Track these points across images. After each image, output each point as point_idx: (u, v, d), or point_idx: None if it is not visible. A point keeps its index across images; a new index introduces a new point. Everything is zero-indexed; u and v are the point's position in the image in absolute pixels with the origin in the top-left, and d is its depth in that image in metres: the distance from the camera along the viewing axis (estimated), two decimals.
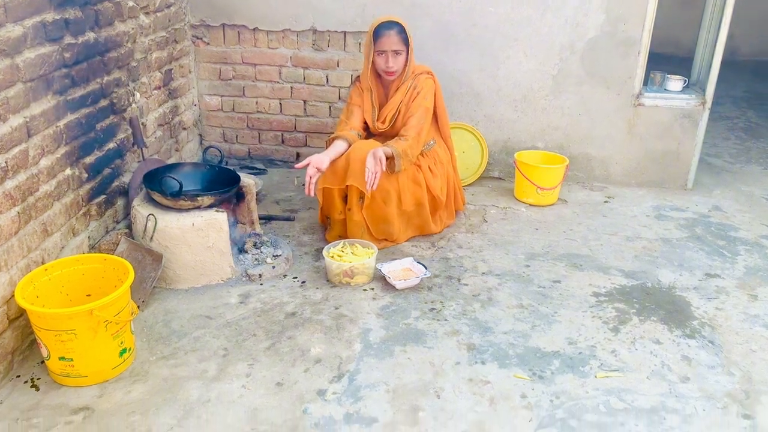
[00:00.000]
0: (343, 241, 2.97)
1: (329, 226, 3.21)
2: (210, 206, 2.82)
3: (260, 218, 3.33)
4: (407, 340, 2.46)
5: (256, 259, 2.94)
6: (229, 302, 2.71)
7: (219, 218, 2.77)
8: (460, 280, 2.89)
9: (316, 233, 3.33)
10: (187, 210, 2.77)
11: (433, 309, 2.67)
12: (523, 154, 3.81)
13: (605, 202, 3.80)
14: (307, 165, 2.94)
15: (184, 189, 2.85)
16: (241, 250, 2.98)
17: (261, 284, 2.84)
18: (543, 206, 3.69)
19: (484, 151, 3.95)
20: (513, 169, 3.96)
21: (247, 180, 3.08)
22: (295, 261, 3.04)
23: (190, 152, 4.00)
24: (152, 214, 2.74)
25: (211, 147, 3.14)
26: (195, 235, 2.74)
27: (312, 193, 2.93)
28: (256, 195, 3.56)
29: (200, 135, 4.15)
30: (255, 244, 3.02)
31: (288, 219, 3.44)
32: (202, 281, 2.82)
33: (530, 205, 3.70)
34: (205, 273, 2.81)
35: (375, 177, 2.86)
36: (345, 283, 2.81)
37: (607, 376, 2.31)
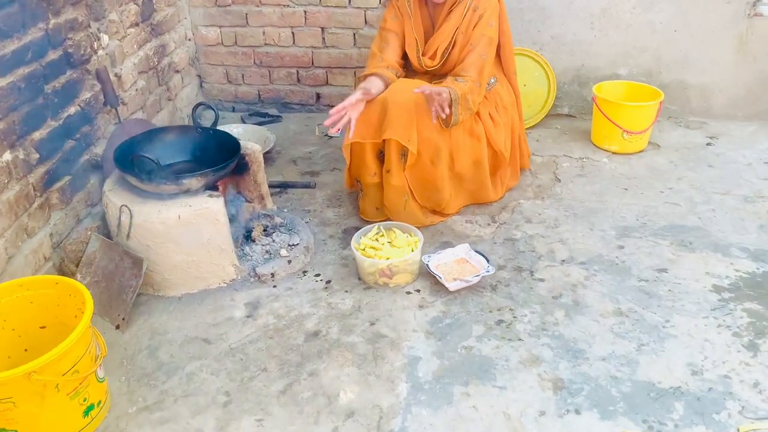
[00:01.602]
0: (377, 225, 2.27)
1: (360, 193, 2.50)
2: (202, 189, 2.14)
3: (272, 187, 2.65)
4: (470, 375, 1.81)
5: (267, 251, 2.28)
6: (233, 316, 2.08)
7: (213, 207, 2.10)
8: (533, 273, 2.20)
9: (344, 205, 2.64)
10: (172, 196, 2.11)
11: (501, 321, 2.00)
12: (603, 86, 2.99)
13: (708, 144, 2.99)
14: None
15: (166, 165, 2.18)
16: (248, 238, 2.32)
17: (274, 286, 2.20)
18: (630, 154, 2.91)
19: (552, 83, 3.14)
20: (587, 105, 3.15)
21: (250, 146, 2.37)
22: (317, 249, 2.37)
23: (187, 100, 3.28)
24: (126, 206, 2.08)
25: (201, 104, 2.43)
26: (184, 230, 2.08)
27: (340, 131, 2.25)
28: (269, 153, 2.87)
29: (199, 76, 3.42)
30: (265, 230, 2.36)
31: (307, 186, 2.75)
32: (199, 285, 2.19)
33: (613, 153, 2.92)
34: (201, 276, 2.17)
35: (441, 104, 2.16)
36: (382, 284, 2.14)
37: (755, 429, 1.64)
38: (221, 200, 2.12)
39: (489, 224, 2.47)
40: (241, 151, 2.29)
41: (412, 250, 2.15)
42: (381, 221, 2.33)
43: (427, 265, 2.14)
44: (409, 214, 2.38)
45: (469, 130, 2.38)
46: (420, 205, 2.42)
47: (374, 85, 2.32)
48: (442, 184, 2.38)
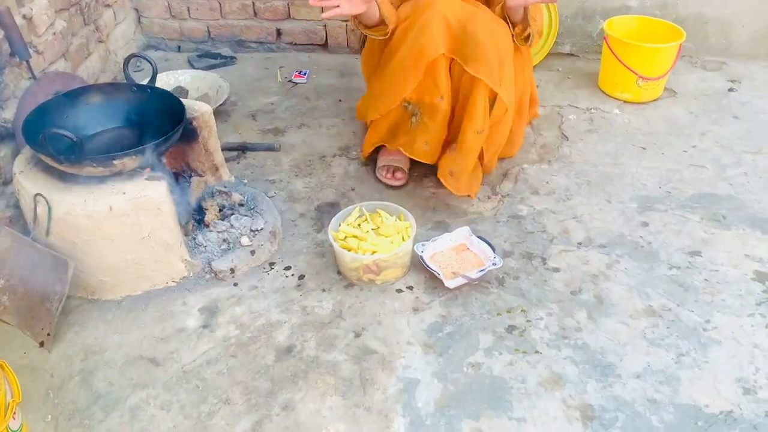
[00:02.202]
0: (358, 206, 1.87)
1: (415, 118, 1.95)
2: (138, 170, 1.70)
3: (228, 150, 2.23)
4: (480, 404, 1.48)
5: (224, 239, 1.88)
6: (186, 326, 1.70)
7: (154, 195, 1.67)
8: (545, 261, 1.85)
9: (315, 173, 2.22)
10: (101, 180, 1.67)
11: (513, 328, 1.66)
12: (614, 23, 2.57)
13: (730, 90, 2.62)
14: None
15: (92, 135, 1.75)
16: (201, 222, 1.91)
17: (235, 284, 1.81)
18: (644, 103, 2.53)
19: (553, 18, 2.69)
20: (592, 43, 2.74)
21: (198, 108, 1.92)
22: (285, 233, 1.97)
23: (123, 40, 2.76)
24: (41, 195, 1.64)
25: (135, 56, 1.94)
26: (117, 224, 1.66)
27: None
28: (223, 105, 2.41)
29: (136, 10, 2.87)
30: (221, 211, 1.94)
31: (271, 149, 2.32)
32: (143, 286, 1.79)
33: (625, 102, 2.53)
34: (144, 275, 1.77)
35: None
36: (367, 281, 1.77)
37: None
38: (164, 184, 1.69)
39: (489, 197, 2.09)
40: (187, 116, 1.84)
41: (403, 239, 1.77)
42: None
43: (421, 256, 1.77)
44: (474, 179, 2.00)
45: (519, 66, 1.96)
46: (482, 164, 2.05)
47: None
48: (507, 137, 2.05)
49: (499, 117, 1.87)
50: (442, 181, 1.97)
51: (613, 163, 2.22)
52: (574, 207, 2.03)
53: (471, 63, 1.77)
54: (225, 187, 2.04)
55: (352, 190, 2.13)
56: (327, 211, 2.03)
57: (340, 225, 1.82)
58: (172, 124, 1.75)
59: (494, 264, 1.74)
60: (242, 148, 2.31)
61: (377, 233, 1.78)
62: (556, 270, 1.82)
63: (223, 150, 2.23)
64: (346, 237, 1.78)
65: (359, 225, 1.82)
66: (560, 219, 1.99)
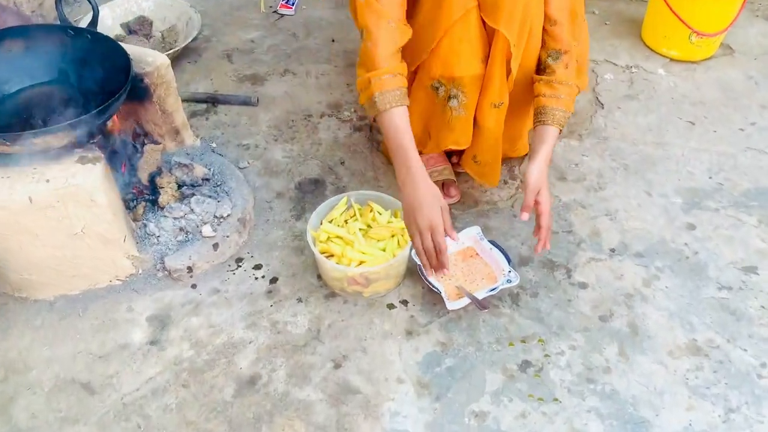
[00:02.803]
0: (345, 196, 1.52)
1: (453, 111, 1.47)
2: (70, 146, 1.34)
3: (196, 102, 1.86)
4: None
5: (181, 228, 1.54)
6: (130, 341, 1.40)
7: (86, 183, 1.32)
8: (570, 273, 1.53)
9: (299, 137, 1.86)
10: (22, 159, 1.31)
11: (528, 364, 1.36)
12: None
13: None
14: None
15: (13, 95, 1.42)
16: (154, 203, 1.57)
17: (193, 286, 1.49)
18: (694, 63, 2.12)
19: None
20: None
21: (152, 59, 1.54)
22: (258, 219, 1.64)
23: None
24: None
25: None
26: (40, 218, 1.32)
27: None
28: (194, 41, 2.01)
29: None
30: (181, 189, 1.60)
31: (247, 103, 1.93)
32: (80, 285, 1.47)
33: (672, 60, 2.13)
34: (81, 273, 1.45)
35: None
36: (352, 292, 1.45)
37: None
38: (99, 167, 1.34)
39: (506, 182, 1.73)
40: (135, 72, 1.46)
41: (399, 245, 1.44)
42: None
43: (419, 266, 1.44)
44: (496, 164, 1.59)
45: None
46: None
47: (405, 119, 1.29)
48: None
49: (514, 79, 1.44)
50: (466, 169, 1.62)
51: (656, 141, 1.85)
52: (607, 200, 1.69)
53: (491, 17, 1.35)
54: (188, 155, 1.68)
55: (342, 163, 1.77)
56: (309, 190, 1.68)
57: (321, 222, 1.48)
58: (119, 82, 1.38)
59: (509, 281, 1.42)
60: (213, 100, 1.93)
61: (367, 235, 1.45)
62: (583, 286, 1.50)
63: (189, 101, 1.89)
64: (328, 238, 1.44)
65: (346, 222, 1.48)
66: (591, 215, 1.65)
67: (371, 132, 1.85)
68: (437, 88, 1.43)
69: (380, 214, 1.48)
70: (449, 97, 1.43)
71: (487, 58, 1.41)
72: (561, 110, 1.39)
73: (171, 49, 2.03)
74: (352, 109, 1.91)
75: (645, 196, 1.70)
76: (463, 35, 1.36)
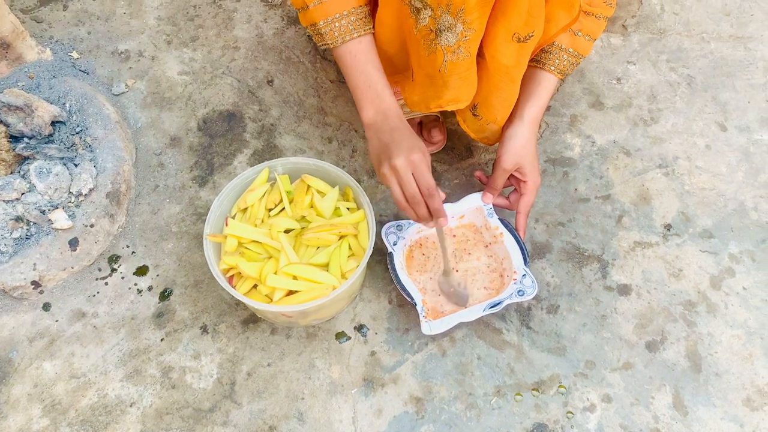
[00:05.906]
0: (266, 167, 0.96)
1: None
2: None
3: None
4: None
5: (17, 218, 1.00)
6: None
7: None
8: (605, 269, 1.04)
9: (205, 35, 1.23)
10: None
11: (542, 430, 0.93)
12: None
13: None
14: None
15: None
16: None
17: (45, 307, 0.99)
18: None
19: None
20: None
21: None
22: (141, 188, 1.09)
23: None
24: None
25: None
26: None
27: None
28: None
29: None
30: (15, 147, 1.03)
31: None
32: None
33: None
34: None
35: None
36: (284, 322, 0.96)
37: None
38: None
39: None
40: None
41: (351, 249, 0.92)
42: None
43: (390, 255, 0.94)
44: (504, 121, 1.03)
45: None
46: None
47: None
48: None
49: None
50: (460, 124, 1.04)
51: (734, 35, 1.26)
52: (661, 139, 1.15)
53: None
54: (31, 81, 1.09)
55: (269, 82, 1.18)
56: (220, 133, 1.12)
57: (229, 216, 0.94)
58: None
59: (520, 293, 0.94)
60: None
61: (301, 240, 0.92)
62: (625, 291, 1.02)
63: None
64: (239, 245, 0.92)
65: (268, 215, 0.94)
66: (636, 170, 1.12)
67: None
68: (418, 10, 0.82)
69: (322, 196, 0.95)
70: (439, 30, 0.82)
71: None
72: (572, 52, 0.91)
73: None
74: None
75: (717, 131, 1.16)
76: None
